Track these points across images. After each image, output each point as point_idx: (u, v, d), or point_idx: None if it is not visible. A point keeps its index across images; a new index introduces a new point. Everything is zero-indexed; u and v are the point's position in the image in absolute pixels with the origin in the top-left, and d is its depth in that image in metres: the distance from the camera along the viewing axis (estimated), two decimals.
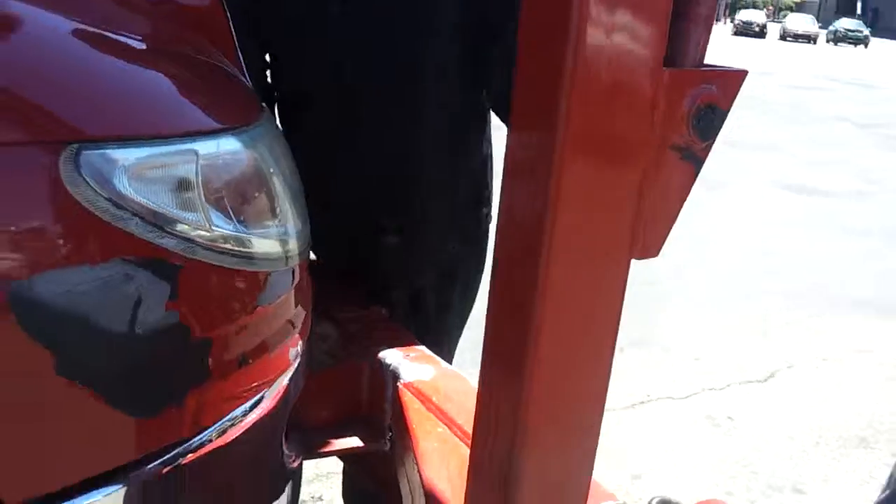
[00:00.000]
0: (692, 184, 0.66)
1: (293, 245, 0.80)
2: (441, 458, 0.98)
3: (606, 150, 0.61)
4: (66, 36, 0.67)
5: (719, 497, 1.80)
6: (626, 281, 0.66)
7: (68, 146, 0.57)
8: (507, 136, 0.62)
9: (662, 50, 0.60)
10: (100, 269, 0.59)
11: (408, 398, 1.09)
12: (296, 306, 0.84)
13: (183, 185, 0.65)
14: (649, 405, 2.44)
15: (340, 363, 1.22)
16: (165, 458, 0.70)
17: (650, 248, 0.66)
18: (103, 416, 0.61)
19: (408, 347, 1.20)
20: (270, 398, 0.83)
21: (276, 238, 0.77)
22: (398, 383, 1.11)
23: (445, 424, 1.04)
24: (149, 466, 0.68)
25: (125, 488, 0.67)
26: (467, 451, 0.73)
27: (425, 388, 1.09)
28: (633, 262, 0.65)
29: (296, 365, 0.88)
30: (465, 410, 1.01)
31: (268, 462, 0.89)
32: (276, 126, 0.88)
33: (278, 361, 0.82)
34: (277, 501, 0.96)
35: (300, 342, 0.89)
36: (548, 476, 0.68)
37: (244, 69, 0.91)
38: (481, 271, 1.43)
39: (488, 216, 1.40)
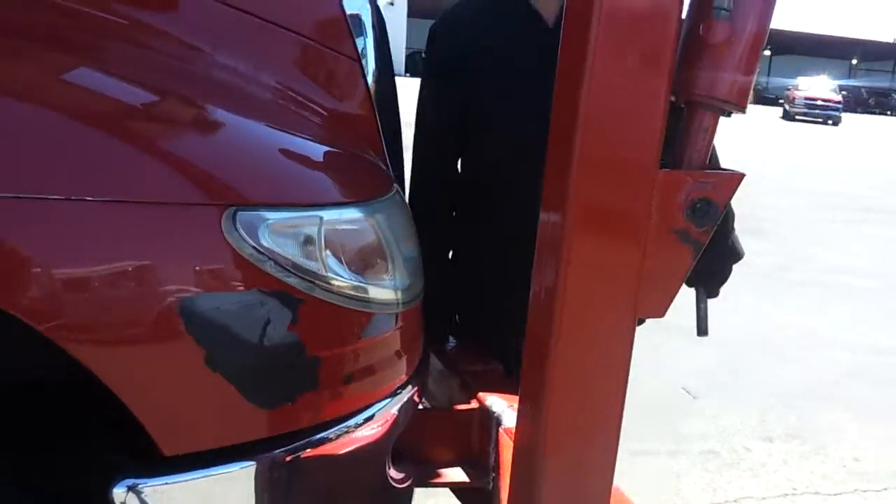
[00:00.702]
0: (691, 261, 0.81)
1: (397, 296, 1.03)
2: None
3: (610, 231, 0.78)
4: (242, 127, 0.95)
5: None
6: (632, 334, 0.82)
7: (229, 207, 0.83)
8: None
9: (656, 157, 0.77)
10: (242, 295, 0.84)
11: (505, 442, 1.27)
12: (400, 345, 1.06)
13: (308, 241, 0.90)
14: (795, 498, 2.41)
15: (456, 407, 1.42)
16: (286, 447, 0.93)
17: (655, 310, 0.82)
18: (233, 401, 0.85)
19: (512, 398, 1.38)
20: (380, 421, 1.05)
21: (382, 288, 1.00)
22: (500, 428, 1.29)
23: None
24: (274, 452, 0.92)
25: (255, 465, 0.91)
26: None
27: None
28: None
29: (406, 397, 1.10)
30: None
31: (375, 477, 1.09)
32: (400, 202, 1.11)
33: (382, 387, 1.04)
34: None
35: (407, 378, 1.10)
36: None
37: (385, 159, 1.16)
38: None
39: None
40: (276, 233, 0.87)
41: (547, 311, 0.79)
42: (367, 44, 1.24)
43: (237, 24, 1.06)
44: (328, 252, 0.92)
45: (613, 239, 0.78)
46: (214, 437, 0.86)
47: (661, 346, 3.46)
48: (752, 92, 0.81)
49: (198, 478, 0.89)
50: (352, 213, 0.97)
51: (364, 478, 1.09)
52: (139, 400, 0.80)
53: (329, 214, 0.93)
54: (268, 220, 0.87)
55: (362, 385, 1.00)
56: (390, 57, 1.38)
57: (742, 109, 0.81)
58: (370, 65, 1.26)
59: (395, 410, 1.09)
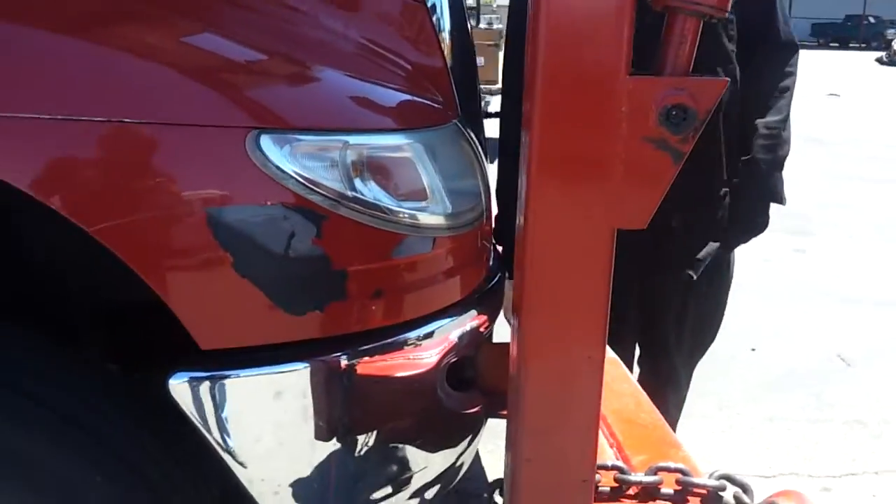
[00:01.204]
0: (672, 170, 0.81)
1: (434, 221, 1.09)
2: None
3: (578, 138, 0.80)
4: (283, 62, 1.05)
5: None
6: (611, 245, 0.83)
7: (252, 130, 0.93)
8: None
9: (625, 62, 0.78)
10: (267, 209, 0.95)
11: None
12: (443, 268, 1.13)
13: (332, 163, 0.98)
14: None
15: None
16: (337, 352, 1.03)
17: (634, 221, 0.83)
18: (261, 304, 0.96)
19: None
20: (436, 340, 1.12)
21: (415, 212, 1.06)
22: None
23: None
24: (326, 356, 1.03)
25: (308, 366, 1.02)
26: None
27: None
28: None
29: (467, 323, 1.16)
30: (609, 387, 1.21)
31: (427, 396, 1.16)
32: (455, 135, 1.16)
33: (422, 306, 1.11)
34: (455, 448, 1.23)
35: (460, 300, 1.16)
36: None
37: (452, 96, 1.22)
38: None
39: None
40: (300, 154, 0.96)
41: (524, 219, 0.82)
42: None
43: None
44: (355, 174, 1.00)
45: (582, 146, 0.80)
46: (245, 336, 0.98)
47: (819, 312, 3.26)
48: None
49: (250, 375, 1.02)
50: (383, 140, 1.05)
51: (417, 396, 1.16)
52: (175, 296, 0.93)
53: (356, 139, 1.01)
54: (291, 142, 0.96)
55: (397, 301, 1.08)
56: (464, 10, 1.45)
57: (722, 12, 0.79)
58: (443, 14, 1.33)
59: (453, 334, 1.15)
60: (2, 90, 0.87)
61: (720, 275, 1.65)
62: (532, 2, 0.78)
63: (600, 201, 0.81)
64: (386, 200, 1.04)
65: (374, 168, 1.03)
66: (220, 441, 1.02)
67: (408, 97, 1.15)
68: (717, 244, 1.56)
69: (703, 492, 0.98)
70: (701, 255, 1.55)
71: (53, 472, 0.98)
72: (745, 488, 0.98)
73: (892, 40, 26.81)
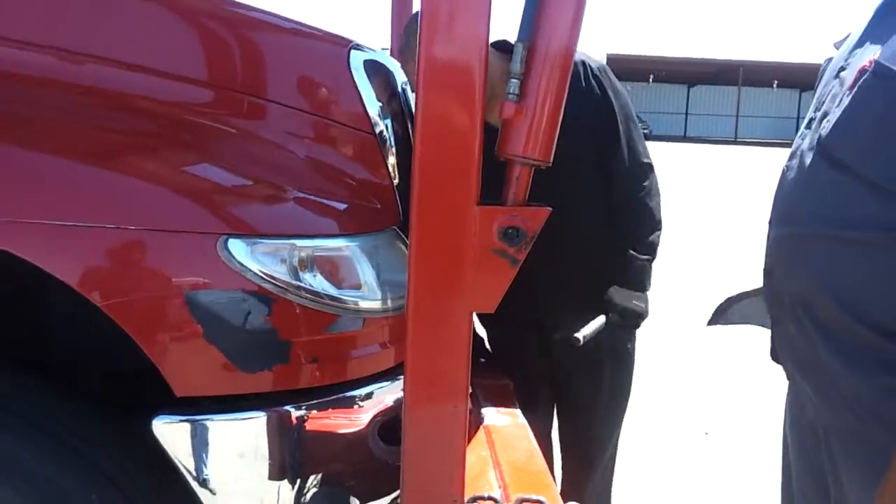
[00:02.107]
0: (511, 271, 1.14)
1: (365, 305, 1.41)
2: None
3: (445, 247, 1.13)
4: (252, 183, 1.40)
5: None
6: (470, 323, 1.15)
7: (222, 235, 1.27)
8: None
9: (474, 197, 1.11)
10: (230, 293, 1.28)
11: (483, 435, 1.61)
12: (371, 343, 1.45)
13: (282, 258, 1.32)
14: None
15: None
16: (285, 407, 1.34)
17: (485, 307, 1.15)
18: (223, 364, 1.28)
19: (504, 404, 1.72)
20: (370, 401, 1.43)
21: (349, 298, 1.39)
22: (481, 425, 1.64)
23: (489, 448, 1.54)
24: (280, 407, 1.34)
25: (265, 415, 1.33)
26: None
27: (496, 431, 1.61)
28: None
29: (399, 390, 1.47)
30: (511, 444, 1.52)
31: (361, 448, 1.46)
32: (391, 239, 1.50)
33: (350, 371, 1.42)
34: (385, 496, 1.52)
35: (395, 371, 1.47)
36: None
37: (396, 208, 1.56)
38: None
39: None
40: (258, 252, 1.30)
41: (409, 302, 1.15)
42: (388, 123, 1.67)
43: (282, 115, 1.52)
44: (301, 268, 1.34)
45: (448, 252, 1.13)
46: (210, 388, 1.30)
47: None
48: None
49: (217, 419, 1.33)
50: (325, 242, 1.39)
51: (352, 446, 1.47)
52: (158, 355, 1.25)
53: (302, 242, 1.35)
54: (250, 244, 1.30)
55: (331, 366, 1.40)
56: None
57: (544, 163, 1.13)
58: (390, 139, 1.68)
59: (388, 397, 1.47)
60: (58, 205, 1.22)
61: (623, 350, 1.97)
62: (414, 150, 1.12)
63: (462, 292, 1.13)
64: (326, 289, 1.37)
65: (318, 263, 1.36)
66: (191, 472, 1.32)
67: (351, 209, 1.49)
68: (602, 319, 1.86)
69: None
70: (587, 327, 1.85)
71: (61, 489, 1.28)
72: None
73: None
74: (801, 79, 46.02)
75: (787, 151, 1.39)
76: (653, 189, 1.87)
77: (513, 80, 1.10)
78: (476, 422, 1.67)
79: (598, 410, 2.00)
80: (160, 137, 1.42)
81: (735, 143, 45.39)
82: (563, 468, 2.09)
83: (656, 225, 1.85)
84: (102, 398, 1.46)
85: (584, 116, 1.80)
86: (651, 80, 52.82)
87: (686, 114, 56.66)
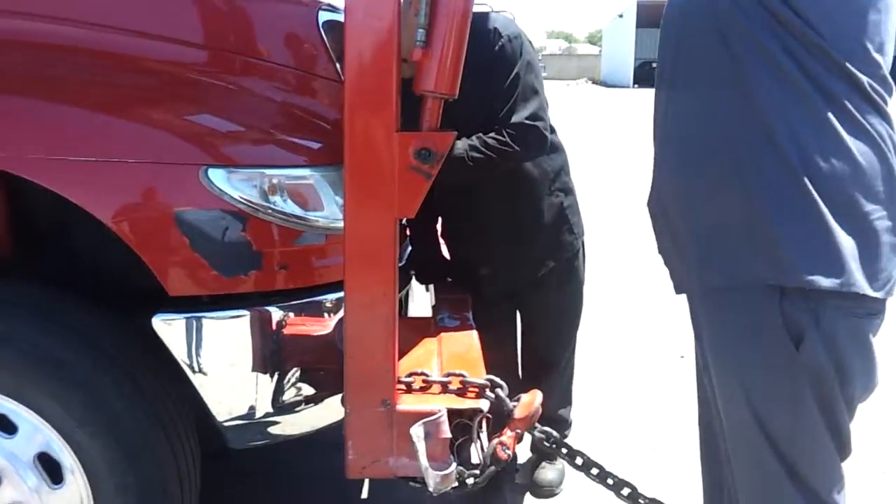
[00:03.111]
0: (426, 184, 1.42)
1: (324, 223, 1.71)
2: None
3: (374, 166, 1.42)
4: (233, 121, 1.70)
5: None
6: (396, 229, 1.44)
7: (204, 165, 1.57)
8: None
9: (394, 126, 1.40)
10: (211, 212, 1.58)
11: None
12: (329, 256, 1.74)
13: (254, 185, 1.62)
14: None
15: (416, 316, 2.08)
16: (266, 307, 1.65)
17: (406, 212, 1.44)
18: (207, 270, 1.59)
19: (459, 312, 2.02)
20: (334, 308, 1.74)
21: (313, 217, 1.69)
22: (439, 325, 1.94)
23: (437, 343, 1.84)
24: (260, 307, 1.65)
25: (248, 313, 1.64)
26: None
27: (446, 332, 1.91)
28: None
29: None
30: (455, 340, 1.82)
31: (334, 347, 1.76)
32: (341, 170, 1.78)
33: (314, 277, 1.72)
34: None
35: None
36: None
37: None
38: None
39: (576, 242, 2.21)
40: (234, 179, 1.61)
41: (346, 214, 1.44)
42: None
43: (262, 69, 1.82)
44: (270, 193, 1.64)
45: (376, 170, 1.42)
46: (196, 288, 1.61)
47: None
48: None
49: (207, 317, 1.65)
50: (291, 171, 1.68)
51: (321, 341, 1.77)
52: (154, 262, 1.57)
53: (271, 171, 1.65)
54: (228, 173, 1.60)
55: (298, 273, 1.70)
56: None
57: (451, 95, 1.41)
58: None
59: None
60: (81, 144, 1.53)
61: (570, 274, 2.26)
62: (344, 89, 1.41)
63: (389, 201, 1.43)
64: (292, 209, 1.67)
65: (286, 189, 1.66)
66: (185, 360, 1.64)
67: (317, 144, 1.79)
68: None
69: (476, 388, 1.56)
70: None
71: (87, 378, 1.60)
72: (501, 386, 1.55)
73: None
74: None
75: None
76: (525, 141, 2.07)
77: (420, 29, 1.38)
78: (433, 326, 1.97)
79: (551, 319, 2.30)
80: (159, 91, 1.72)
81: None
82: (523, 373, 2.39)
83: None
84: (119, 308, 1.80)
85: (489, 81, 2.03)
86: None
87: None
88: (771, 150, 1.30)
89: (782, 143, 1.29)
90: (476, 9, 1.46)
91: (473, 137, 2.00)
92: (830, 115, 1.28)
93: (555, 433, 1.62)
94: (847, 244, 1.27)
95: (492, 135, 2.01)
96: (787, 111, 1.29)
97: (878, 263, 1.31)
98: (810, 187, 1.28)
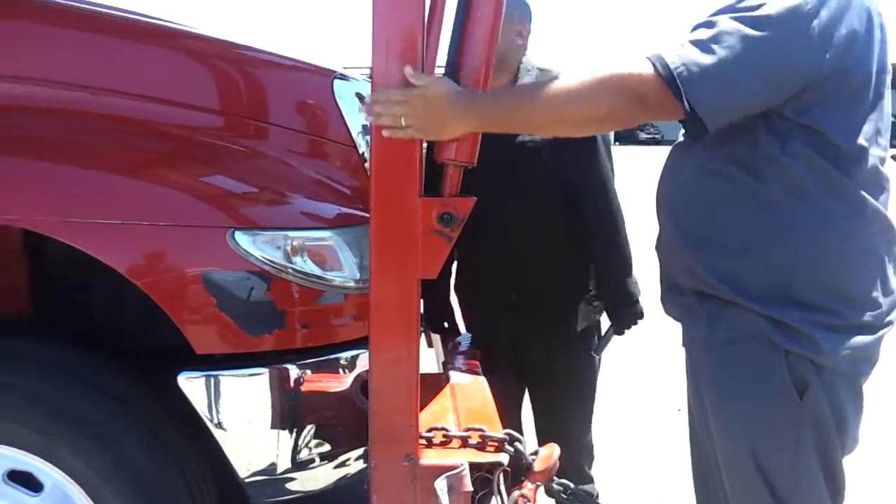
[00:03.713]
0: (447, 246, 1.50)
1: (344, 283, 1.77)
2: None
3: (398, 229, 1.49)
4: (258, 187, 1.77)
5: None
6: (418, 289, 1.51)
7: (230, 228, 1.64)
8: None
9: (417, 190, 1.48)
10: (237, 273, 1.65)
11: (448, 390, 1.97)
12: (347, 314, 1.80)
13: (278, 246, 1.68)
14: None
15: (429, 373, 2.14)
16: (284, 364, 1.71)
17: (430, 274, 1.51)
18: (233, 328, 1.64)
19: (470, 367, 2.08)
20: (357, 364, 1.79)
21: (332, 277, 1.75)
22: (449, 383, 1.99)
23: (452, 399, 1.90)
24: (279, 365, 1.70)
25: (268, 371, 1.69)
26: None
27: (458, 387, 1.96)
28: None
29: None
30: (469, 396, 1.88)
31: (347, 402, 1.82)
32: (357, 231, 1.85)
33: (335, 335, 1.78)
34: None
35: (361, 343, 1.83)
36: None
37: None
38: None
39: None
40: (259, 241, 1.67)
41: (372, 277, 1.51)
42: (366, 139, 2.03)
43: (280, 134, 1.90)
44: (293, 254, 1.70)
45: (400, 233, 1.49)
46: (222, 347, 1.66)
47: None
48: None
49: (230, 374, 1.70)
50: (312, 234, 1.75)
51: (340, 399, 1.82)
52: (182, 321, 1.62)
53: (294, 234, 1.72)
54: (253, 235, 1.67)
55: (318, 331, 1.76)
56: None
57: (471, 163, 1.50)
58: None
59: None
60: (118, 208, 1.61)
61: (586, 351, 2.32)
62: (370, 156, 1.48)
63: (410, 263, 1.49)
64: (313, 269, 1.73)
65: (307, 250, 1.73)
66: (208, 416, 1.68)
67: (335, 207, 1.86)
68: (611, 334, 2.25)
69: (495, 442, 1.61)
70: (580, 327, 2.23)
71: (115, 437, 1.64)
72: (520, 440, 1.61)
73: None
74: None
75: None
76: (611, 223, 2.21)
77: None
78: (445, 381, 2.03)
79: (567, 403, 2.34)
80: (183, 155, 1.79)
81: None
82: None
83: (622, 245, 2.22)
84: (141, 365, 1.84)
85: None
86: None
87: None
88: (772, 227, 1.40)
89: (786, 253, 1.40)
90: None
91: None
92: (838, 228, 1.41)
93: (572, 485, 1.67)
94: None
95: None
96: (798, 226, 1.40)
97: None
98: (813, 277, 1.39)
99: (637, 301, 2.24)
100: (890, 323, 1.46)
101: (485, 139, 2.19)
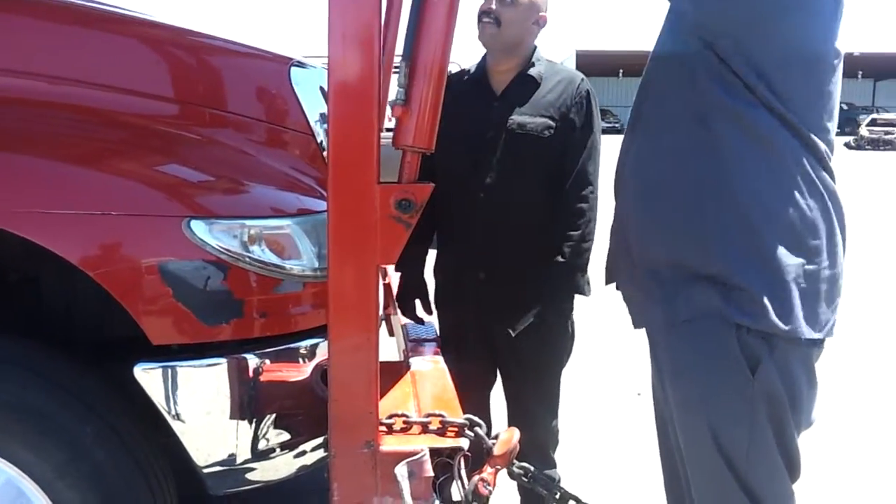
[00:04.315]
0: (406, 233, 1.49)
1: (301, 271, 1.76)
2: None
3: (358, 215, 1.49)
4: (213, 175, 1.75)
5: None
6: (377, 275, 1.51)
7: (186, 217, 1.62)
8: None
9: (375, 177, 1.47)
10: (193, 262, 1.63)
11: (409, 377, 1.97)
12: (306, 303, 1.79)
13: (234, 235, 1.67)
14: None
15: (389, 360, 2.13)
16: (243, 355, 1.69)
17: (387, 259, 1.51)
18: (190, 318, 1.62)
19: (430, 354, 2.08)
20: (317, 353, 1.78)
21: (290, 266, 1.74)
22: (409, 370, 2.00)
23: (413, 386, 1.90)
24: (237, 355, 1.68)
25: (226, 361, 1.68)
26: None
27: (419, 374, 1.96)
28: None
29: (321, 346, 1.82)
30: (430, 382, 1.88)
31: (305, 389, 1.81)
32: (315, 219, 1.83)
33: (293, 324, 1.77)
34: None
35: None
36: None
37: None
38: None
39: None
40: (215, 230, 1.65)
41: (330, 259, 1.50)
42: (323, 126, 2.02)
43: (236, 123, 1.88)
44: (250, 242, 1.69)
45: (359, 220, 1.48)
46: (179, 337, 1.64)
47: None
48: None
49: (186, 365, 1.68)
50: (269, 222, 1.74)
51: (299, 387, 1.81)
52: (138, 312, 1.60)
53: (251, 222, 1.70)
54: (209, 224, 1.65)
55: (277, 320, 1.75)
56: None
57: (427, 150, 1.50)
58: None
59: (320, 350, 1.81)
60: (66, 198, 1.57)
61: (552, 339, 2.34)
62: (328, 144, 1.48)
63: (371, 250, 1.49)
64: (271, 258, 1.72)
65: (264, 238, 1.71)
66: (165, 407, 1.66)
67: (293, 195, 1.85)
68: (531, 317, 2.24)
69: (456, 427, 1.62)
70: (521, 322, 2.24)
71: (68, 430, 1.62)
72: (480, 425, 1.62)
73: (860, 126, 29.31)
74: None
75: None
76: (592, 207, 2.23)
77: (399, 88, 1.46)
78: (406, 369, 2.03)
79: (534, 385, 2.35)
80: (136, 144, 1.76)
81: None
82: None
83: (587, 236, 2.22)
84: (95, 357, 1.81)
85: (568, 119, 2.22)
86: (621, 74, 53.49)
87: None
88: (731, 201, 1.42)
89: (742, 197, 1.41)
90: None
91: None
92: (790, 174, 1.42)
93: (532, 468, 1.68)
94: (796, 293, 1.40)
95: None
96: (749, 167, 1.42)
97: (819, 308, 1.44)
98: (766, 240, 1.40)
99: (572, 295, 2.28)
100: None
101: (475, 119, 2.26)
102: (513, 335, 2.23)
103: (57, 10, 1.83)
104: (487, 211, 2.23)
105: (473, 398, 2.16)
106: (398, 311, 2.39)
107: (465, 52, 2.31)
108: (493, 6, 2.18)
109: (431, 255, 2.42)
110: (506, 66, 2.26)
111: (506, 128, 2.22)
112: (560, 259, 2.19)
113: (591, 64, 43.31)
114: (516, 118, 2.22)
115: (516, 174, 2.22)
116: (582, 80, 2.29)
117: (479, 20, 2.21)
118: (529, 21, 2.23)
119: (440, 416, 1.63)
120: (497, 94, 2.29)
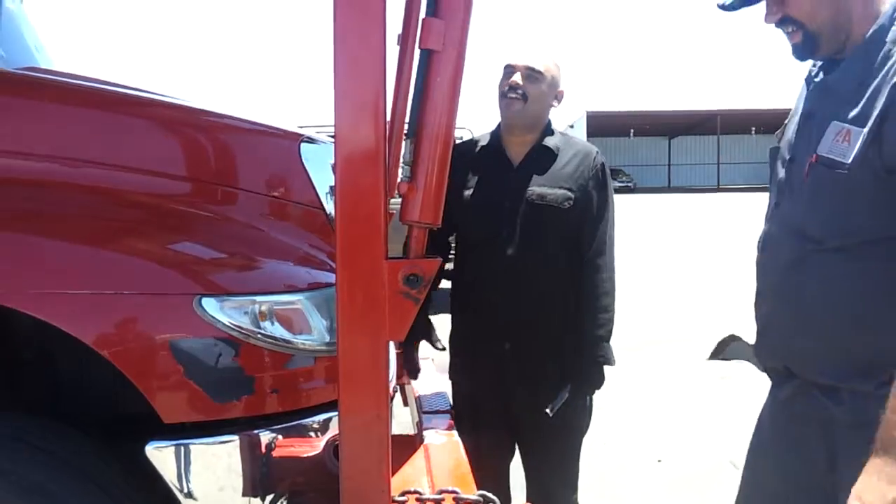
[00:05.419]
0: (414, 308, 1.50)
1: (313, 346, 1.77)
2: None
3: (365, 290, 1.49)
4: (224, 252, 1.77)
5: None
6: (387, 350, 1.50)
7: (197, 295, 1.63)
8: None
9: (383, 253, 1.48)
10: (204, 340, 1.63)
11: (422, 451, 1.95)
12: (318, 378, 1.79)
13: (246, 311, 1.68)
14: None
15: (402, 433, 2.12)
16: (255, 432, 1.68)
17: (397, 337, 1.51)
18: (202, 396, 1.62)
19: (444, 427, 2.07)
20: (328, 427, 1.77)
21: (301, 341, 1.75)
22: (423, 444, 1.98)
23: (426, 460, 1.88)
24: (249, 432, 1.68)
25: (238, 438, 1.67)
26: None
27: (433, 448, 1.94)
28: None
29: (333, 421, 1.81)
30: (443, 456, 1.86)
31: (318, 464, 1.79)
32: (326, 294, 1.84)
33: (305, 400, 1.77)
34: None
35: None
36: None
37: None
38: None
39: None
40: (226, 307, 1.67)
41: (339, 341, 1.50)
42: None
43: (247, 199, 1.91)
44: (261, 318, 1.70)
45: (368, 295, 1.49)
46: (190, 415, 1.64)
47: None
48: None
49: (198, 443, 1.67)
50: (281, 298, 1.75)
51: (312, 463, 1.80)
52: (149, 390, 1.60)
53: (261, 298, 1.71)
54: (220, 301, 1.66)
55: (289, 396, 1.74)
56: None
57: (433, 225, 1.51)
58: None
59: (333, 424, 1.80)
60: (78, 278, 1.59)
61: (574, 415, 2.31)
62: (335, 221, 1.49)
63: (380, 325, 1.49)
64: (282, 334, 1.73)
65: (275, 314, 1.72)
66: (177, 486, 1.65)
67: (303, 269, 1.86)
68: (566, 394, 2.23)
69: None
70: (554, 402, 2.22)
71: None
72: (494, 502, 1.59)
73: None
74: (777, 124, 47.37)
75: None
76: (611, 278, 2.26)
77: (404, 165, 1.48)
78: (419, 442, 2.01)
79: (554, 459, 2.33)
80: (149, 223, 1.79)
81: (718, 190, 46.30)
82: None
83: (609, 306, 2.24)
84: (106, 434, 1.80)
85: (586, 191, 2.26)
86: (632, 134, 53.98)
87: (668, 165, 58.15)
88: None
89: None
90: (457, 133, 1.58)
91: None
92: None
93: None
94: None
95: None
96: None
97: None
98: None
99: (602, 367, 2.26)
100: None
101: (493, 189, 2.29)
102: (550, 414, 2.21)
103: (73, 93, 1.88)
104: (509, 281, 2.24)
105: (490, 471, 2.13)
106: (410, 380, 2.38)
107: (475, 119, 2.37)
108: (521, 81, 2.23)
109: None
110: (523, 138, 2.31)
111: (525, 198, 2.25)
112: (586, 332, 2.20)
113: (602, 125, 43.77)
114: (535, 189, 2.25)
115: (537, 244, 2.24)
116: (597, 153, 2.33)
117: (505, 96, 2.26)
118: (551, 97, 2.30)
119: (454, 492, 1.61)
120: (514, 165, 2.32)
